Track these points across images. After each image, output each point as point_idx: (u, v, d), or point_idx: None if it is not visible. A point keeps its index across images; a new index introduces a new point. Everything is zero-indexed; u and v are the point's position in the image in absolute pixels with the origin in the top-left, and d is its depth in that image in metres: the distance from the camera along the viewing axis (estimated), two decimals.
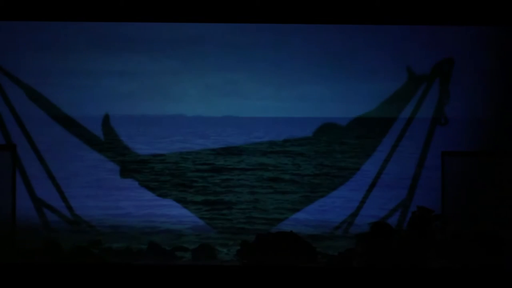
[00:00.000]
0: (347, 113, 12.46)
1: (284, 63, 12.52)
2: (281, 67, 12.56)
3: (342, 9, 10.85)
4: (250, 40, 12.29)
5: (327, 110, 12.68)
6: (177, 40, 12.19)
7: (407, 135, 11.97)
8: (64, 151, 12.20)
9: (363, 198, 12.07)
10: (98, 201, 12.42)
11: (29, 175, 11.74)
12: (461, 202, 10.92)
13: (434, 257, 9.87)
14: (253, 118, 13.34)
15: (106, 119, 12.08)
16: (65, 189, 11.92)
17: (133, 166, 12.58)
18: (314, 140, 13.01)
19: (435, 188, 11.31)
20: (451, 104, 11.76)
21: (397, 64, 12.07)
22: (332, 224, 12.19)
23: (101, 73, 12.34)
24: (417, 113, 11.94)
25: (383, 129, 12.16)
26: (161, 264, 10.27)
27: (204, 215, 12.69)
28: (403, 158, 12.05)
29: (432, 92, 11.88)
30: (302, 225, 12.32)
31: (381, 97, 12.14)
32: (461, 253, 9.94)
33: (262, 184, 13.25)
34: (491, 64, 11.58)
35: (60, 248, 10.67)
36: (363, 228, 10.84)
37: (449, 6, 10.90)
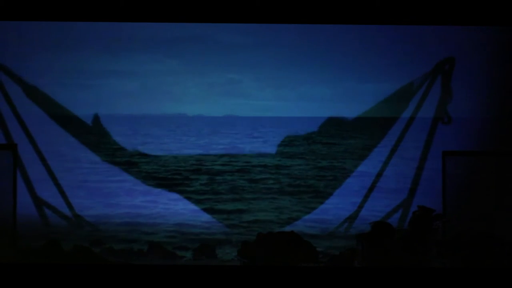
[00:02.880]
0: (348, 113, 12.46)
1: (284, 63, 12.53)
2: (282, 67, 12.56)
3: (343, 9, 10.85)
4: (250, 40, 12.29)
5: (328, 110, 12.67)
6: (178, 40, 12.19)
7: (408, 135, 11.97)
8: (65, 151, 12.21)
9: (364, 197, 12.08)
10: (99, 200, 12.43)
11: (30, 174, 11.75)
12: (462, 202, 10.92)
13: (434, 257, 9.86)
14: (254, 118, 13.34)
15: (96, 119, 12.11)
16: (66, 189, 11.93)
17: (133, 167, 12.58)
18: (314, 141, 13.01)
19: (436, 187, 11.31)
20: (452, 104, 11.76)
21: (397, 64, 12.07)
22: (333, 223, 12.19)
23: (101, 73, 12.35)
24: (418, 112, 11.94)
25: (384, 128, 12.16)
26: (161, 264, 10.28)
27: (204, 216, 12.69)
28: (404, 157, 12.05)
29: (433, 92, 11.88)
30: (303, 225, 12.32)
31: (381, 97, 12.15)
32: (461, 253, 9.94)
33: (261, 185, 13.24)
34: (492, 64, 11.58)
35: (61, 248, 10.67)
36: (364, 227, 10.82)
37: (449, 6, 10.90)
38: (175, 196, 12.88)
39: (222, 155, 13.49)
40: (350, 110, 12.48)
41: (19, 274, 8.98)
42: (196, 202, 12.84)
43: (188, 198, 12.86)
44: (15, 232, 10.95)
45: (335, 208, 12.44)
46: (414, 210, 10.24)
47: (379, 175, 12.05)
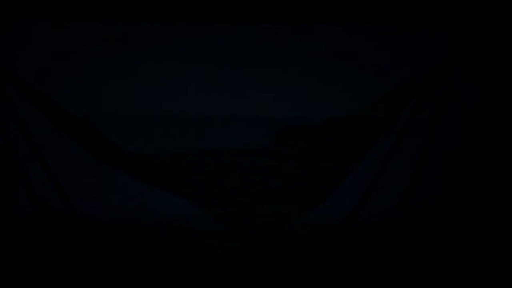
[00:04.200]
0: (346, 113, 12.47)
1: (284, 62, 12.55)
2: (281, 67, 12.58)
3: (342, 9, 10.88)
4: (250, 40, 12.31)
5: (326, 110, 12.68)
6: (177, 39, 12.21)
7: (406, 135, 11.98)
8: (65, 151, 12.22)
9: (362, 198, 12.09)
10: (99, 201, 12.43)
11: (29, 175, 11.75)
12: (461, 202, 10.94)
13: (433, 257, 9.89)
14: (253, 118, 13.35)
15: (95, 119, 12.13)
16: (65, 189, 11.93)
17: (132, 167, 12.59)
18: (312, 141, 13.01)
19: (435, 188, 11.33)
20: (451, 104, 11.79)
21: (396, 64, 12.08)
22: (332, 223, 12.20)
23: (101, 72, 12.36)
24: (417, 113, 11.96)
25: (382, 128, 12.17)
26: (160, 264, 10.29)
27: (203, 216, 12.69)
28: (402, 157, 12.06)
29: (432, 92, 11.90)
30: (302, 225, 12.32)
31: (380, 97, 12.15)
32: (461, 253, 9.97)
33: (260, 185, 13.24)
34: (491, 64, 11.60)
35: (60, 248, 10.68)
36: (363, 228, 10.84)
37: (449, 6, 10.93)
38: (175, 196, 12.89)
39: (220, 155, 13.49)
40: (348, 109, 12.49)
41: (18, 273, 8.99)
42: (195, 202, 12.85)
43: (187, 199, 12.86)
44: (15, 232, 10.95)
45: (334, 208, 12.45)
46: (413, 211, 10.26)
47: (378, 175, 12.06)
